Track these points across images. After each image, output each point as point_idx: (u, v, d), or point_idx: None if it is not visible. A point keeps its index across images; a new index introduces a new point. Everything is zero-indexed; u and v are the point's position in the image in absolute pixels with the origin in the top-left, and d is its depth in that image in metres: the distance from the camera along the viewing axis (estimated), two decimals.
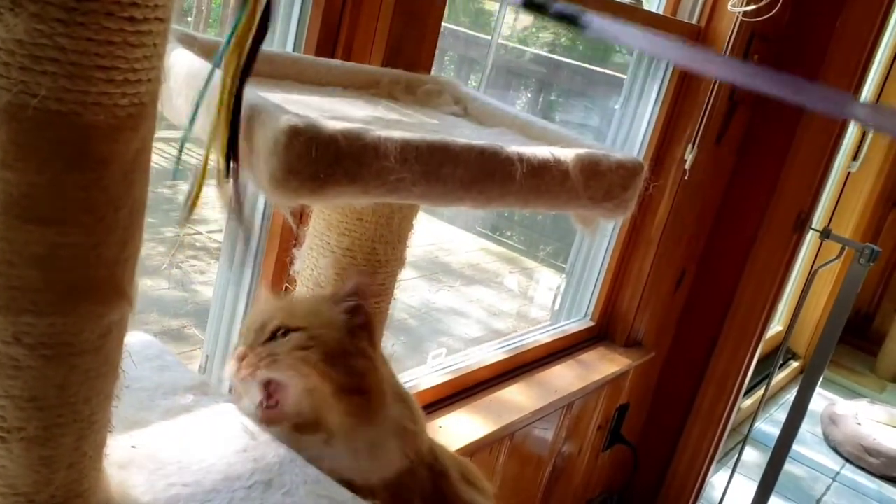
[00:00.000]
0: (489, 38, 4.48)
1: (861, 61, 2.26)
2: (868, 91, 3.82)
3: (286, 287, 1.13)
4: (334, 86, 1.14)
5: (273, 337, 0.87)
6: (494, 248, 4.78)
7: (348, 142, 0.77)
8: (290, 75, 1.11)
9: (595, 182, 0.96)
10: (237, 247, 1.30)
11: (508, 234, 4.98)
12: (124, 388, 0.87)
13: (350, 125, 0.79)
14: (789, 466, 3.35)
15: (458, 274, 4.46)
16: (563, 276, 2.38)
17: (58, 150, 0.55)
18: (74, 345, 0.60)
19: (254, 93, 0.82)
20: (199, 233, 4.01)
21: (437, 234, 4.69)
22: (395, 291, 1.13)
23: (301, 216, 1.12)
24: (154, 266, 3.66)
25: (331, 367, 0.85)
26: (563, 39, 4.85)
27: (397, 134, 0.81)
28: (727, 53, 2.08)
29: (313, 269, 1.06)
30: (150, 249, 3.76)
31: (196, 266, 3.79)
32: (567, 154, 0.93)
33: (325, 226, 1.04)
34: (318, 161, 0.75)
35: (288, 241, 1.17)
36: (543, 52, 4.68)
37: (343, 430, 0.86)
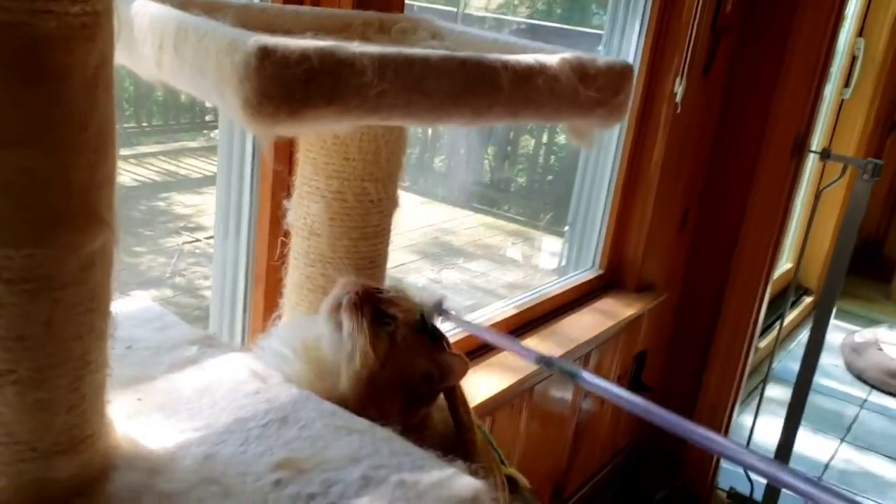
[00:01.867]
0: (467, 12, 4.46)
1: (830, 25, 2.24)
2: (840, 58, 3.78)
3: (282, 241, 1.11)
4: (303, 32, 1.11)
5: (384, 314, 0.86)
6: (494, 222, 4.75)
7: (321, 59, 0.74)
8: (259, 26, 1.08)
9: (585, 86, 0.92)
10: (230, 215, 1.27)
11: (506, 207, 4.95)
12: (126, 348, 0.85)
13: (322, 43, 0.76)
14: (817, 399, 3.34)
15: (461, 252, 4.43)
16: (566, 228, 2.36)
17: (11, 64, 0.52)
18: (56, 277, 0.57)
19: (218, 24, 0.80)
20: (198, 240, 3.98)
21: (434, 215, 4.66)
22: (392, 234, 1.10)
23: (290, 164, 1.09)
24: (157, 277, 3.64)
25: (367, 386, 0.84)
26: (539, 5, 4.82)
27: (373, 48, 0.78)
28: (697, 15, 2.05)
29: (306, 216, 1.03)
30: (150, 261, 3.75)
31: (198, 272, 3.76)
32: (552, 59, 0.90)
33: (313, 170, 1.01)
34: (292, 81, 0.72)
35: (279, 195, 1.14)
36: (522, 19, 4.64)
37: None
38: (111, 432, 0.67)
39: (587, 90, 0.92)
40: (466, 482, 0.72)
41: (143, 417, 0.74)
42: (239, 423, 0.75)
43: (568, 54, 0.92)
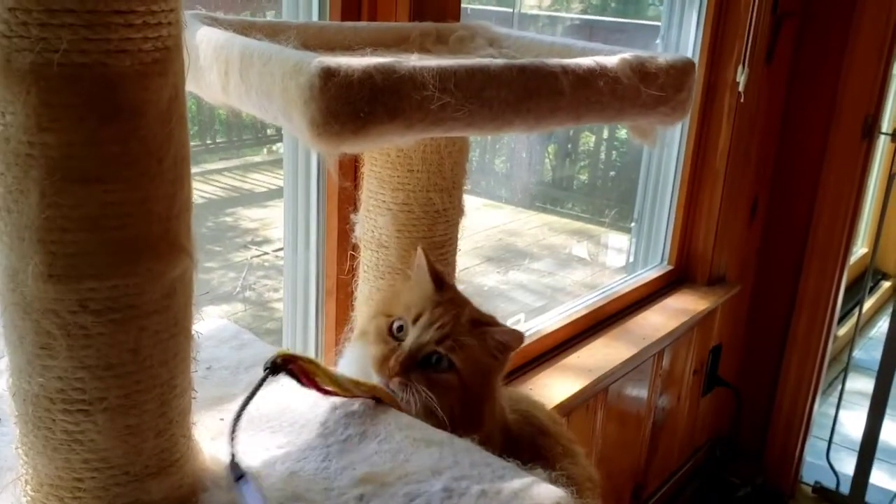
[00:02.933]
0: (521, 11, 4.44)
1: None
2: None
3: (351, 255, 1.12)
4: (363, 47, 1.12)
5: (427, 359, 0.87)
6: (558, 220, 4.72)
7: (383, 76, 0.75)
8: (319, 45, 1.10)
9: (646, 85, 0.91)
10: (298, 231, 1.29)
11: (570, 205, 4.91)
12: (206, 369, 0.87)
13: (382, 60, 0.76)
14: None
15: (526, 252, 4.41)
16: (633, 223, 2.33)
17: (90, 104, 0.54)
18: (140, 306, 0.59)
19: (280, 48, 0.81)
20: (266, 253, 4.05)
21: (497, 216, 4.65)
22: (459, 243, 1.11)
23: (355, 178, 1.10)
24: (228, 292, 3.71)
25: (461, 411, 0.87)
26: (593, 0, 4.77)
27: (432, 62, 0.79)
28: (756, 1, 2.01)
29: (373, 230, 1.05)
30: (221, 276, 3.82)
31: (268, 285, 3.82)
32: (612, 60, 0.90)
33: (378, 184, 1.02)
34: (356, 100, 0.73)
35: (346, 209, 1.16)
36: (576, 15, 4.60)
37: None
38: (198, 454, 0.69)
39: (649, 89, 0.91)
40: (548, 490, 0.72)
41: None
42: (320, 438, 0.76)
43: (628, 54, 0.91)
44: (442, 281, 0.93)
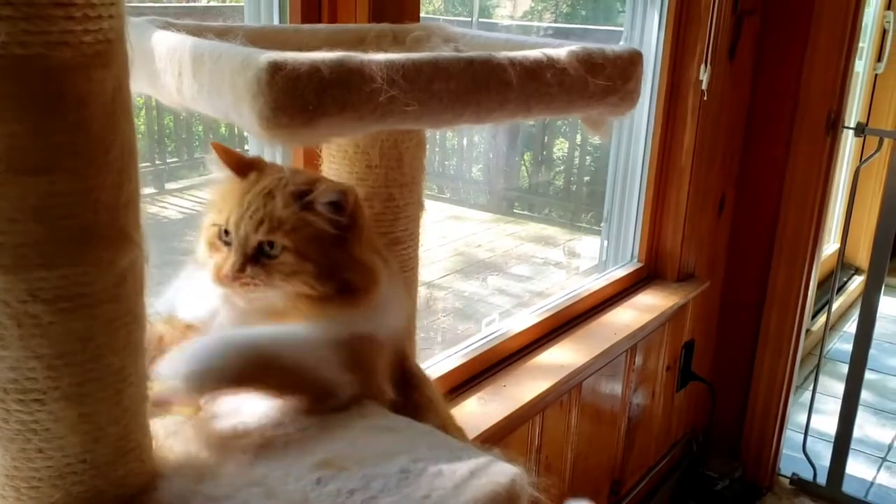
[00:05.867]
0: (493, 21, 4.49)
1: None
2: (870, 33, 3.71)
3: None
4: (319, 48, 1.14)
5: (260, 250, 0.84)
6: (534, 226, 4.75)
7: (331, 69, 0.77)
8: (275, 46, 1.11)
9: (594, 76, 0.93)
10: None
11: (546, 210, 4.95)
12: None
13: (331, 54, 0.78)
14: (884, 380, 3.28)
15: (503, 257, 4.44)
16: (603, 223, 2.35)
17: (33, 96, 0.55)
18: (91, 295, 0.60)
19: (230, 46, 0.83)
20: None
21: (474, 223, 4.67)
22: (421, 237, 1.12)
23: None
24: None
25: (323, 283, 0.83)
26: (564, 7, 4.83)
27: (380, 56, 0.80)
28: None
29: None
30: None
31: None
32: (559, 52, 0.92)
33: (337, 179, 1.04)
34: (304, 93, 0.75)
35: None
36: (547, 24, 4.66)
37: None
38: (157, 445, 0.70)
39: (596, 80, 0.94)
40: (503, 468, 0.74)
41: (186, 432, 0.77)
42: (279, 427, 0.77)
43: (575, 46, 0.93)
44: (246, 166, 0.89)
